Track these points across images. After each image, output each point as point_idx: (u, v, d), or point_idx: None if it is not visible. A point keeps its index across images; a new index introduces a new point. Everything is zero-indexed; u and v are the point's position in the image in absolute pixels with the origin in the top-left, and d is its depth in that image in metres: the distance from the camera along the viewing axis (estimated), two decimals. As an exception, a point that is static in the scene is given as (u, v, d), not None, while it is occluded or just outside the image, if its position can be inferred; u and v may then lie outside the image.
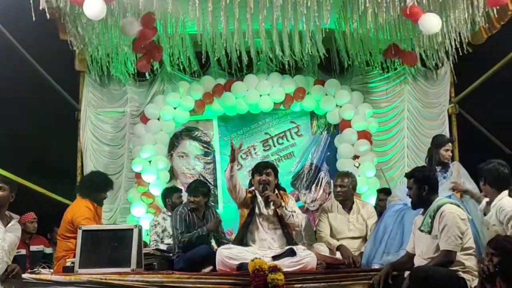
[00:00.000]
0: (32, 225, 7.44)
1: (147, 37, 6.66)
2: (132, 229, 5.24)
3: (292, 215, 5.62)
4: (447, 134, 8.54)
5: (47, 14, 5.75)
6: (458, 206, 4.64)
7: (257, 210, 5.71)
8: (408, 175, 4.86)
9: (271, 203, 5.65)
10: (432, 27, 6.05)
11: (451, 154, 6.22)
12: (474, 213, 5.43)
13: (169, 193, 7.35)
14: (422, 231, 4.58)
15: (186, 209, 6.12)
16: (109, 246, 5.18)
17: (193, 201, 6.10)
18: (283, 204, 5.63)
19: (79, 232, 5.22)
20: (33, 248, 7.49)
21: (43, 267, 5.35)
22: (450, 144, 6.24)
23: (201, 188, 6.22)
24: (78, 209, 6.06)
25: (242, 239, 5.63)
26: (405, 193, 5.24)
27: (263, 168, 5.80)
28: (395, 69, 8.84)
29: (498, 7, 6.24)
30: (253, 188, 5.87)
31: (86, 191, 6.24)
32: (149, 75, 8.76)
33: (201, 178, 8.69)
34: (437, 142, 6.24)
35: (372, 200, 7.88)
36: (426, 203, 4.66)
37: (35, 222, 7.48)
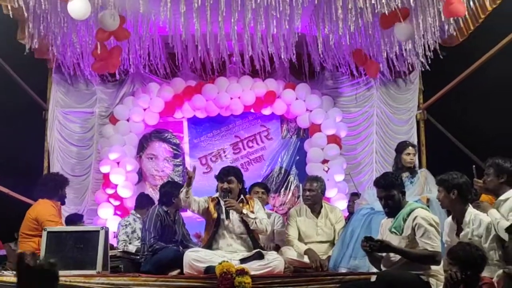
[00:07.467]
0: (-8, 227, 7.27)
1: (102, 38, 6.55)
2: (99, 231, 5.17)
3: (255, 222, 5.49)
4: (415, 140, 8.66)
5: (10, 13, 5.66)
6: (428, 211, 4.71)
7: (222, 216, 5.56)
8: (384, 184, 4.73)
9: (233, 211, 5.52)
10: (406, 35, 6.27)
11: (413, 158, 6.27)
12: (439, 218, 5.49)
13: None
14: (393, 232, 4.62)
15: (162, 212, 6.03)
16: (75, 248, 5.10)
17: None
18: (244, 211, 5.50)
19: (44, 234, 5.13)
20: (-5, 250, 7.33)
21: (6, 269, 5.23)
22: (411, 147, 6.30)
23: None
24: (44, 208, 5.96)
25: (210, 247, 5.54)
26: (374, 197, 5.27)
27: (225, 175, 5.63)
28: (365, 74, 8.90)
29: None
30: (216, 195, 5.73)
31: (52, 192, 6.15)
32: (119, 75, 8.65)
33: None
34: (398, 148, 6.37)
35: (341, 204, 7.93)
36: (399, 208, 4.69)
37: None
